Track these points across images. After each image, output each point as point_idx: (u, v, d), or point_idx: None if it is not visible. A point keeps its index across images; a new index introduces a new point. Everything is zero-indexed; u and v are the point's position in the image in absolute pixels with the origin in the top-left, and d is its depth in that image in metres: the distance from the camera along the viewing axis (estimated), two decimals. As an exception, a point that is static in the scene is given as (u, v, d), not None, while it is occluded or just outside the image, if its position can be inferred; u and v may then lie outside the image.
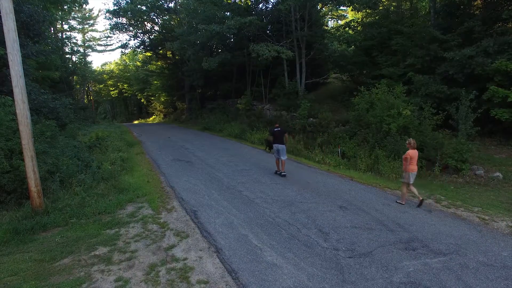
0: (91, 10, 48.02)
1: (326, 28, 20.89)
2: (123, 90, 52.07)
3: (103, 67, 56.16)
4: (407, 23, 14.47)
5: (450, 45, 11.01)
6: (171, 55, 32.20)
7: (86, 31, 40.74)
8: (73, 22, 37.10)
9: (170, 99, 38.65)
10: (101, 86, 51.87)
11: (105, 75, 51.26)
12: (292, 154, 12.04)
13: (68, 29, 35.73)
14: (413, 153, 6.03)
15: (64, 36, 32.70)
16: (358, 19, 19.95)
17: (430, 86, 11.03)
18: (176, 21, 28.37)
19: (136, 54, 47.04)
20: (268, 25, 19.62)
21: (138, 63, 45.68)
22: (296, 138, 13.68)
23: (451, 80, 10.85)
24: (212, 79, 25.09)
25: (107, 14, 27.49)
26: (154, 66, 39.94)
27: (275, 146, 8.49)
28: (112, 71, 53.10)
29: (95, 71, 49.39)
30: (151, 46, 31.08)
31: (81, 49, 39.88)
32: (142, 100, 49.28)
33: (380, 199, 6.40)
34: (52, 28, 28.70)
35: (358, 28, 18.52)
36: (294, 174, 8.60)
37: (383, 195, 6.74)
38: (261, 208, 5.87)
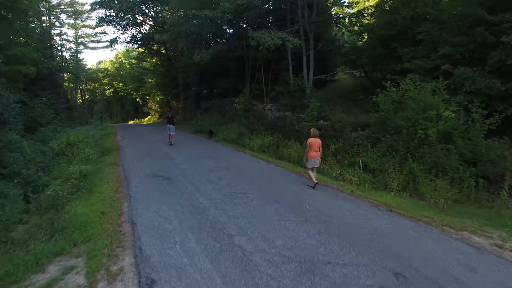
0: (83, 4, 45.67)
1: (338, 13, 18.42)
2: (118, 89, 49.78)
3: (98, 65, 54.01)
4: (437, 6, 12.08)
5: (503, 27, 8.64)
6: (164, 50, 29.86)
7: (77, 26, 38.38)
8: (63, 17, 34.83)
9: (166, 98, 36.38)
10: (96, 85, 49.58)
11: (99, 74, 48.97)
12: (300, 166, 9.72)
13: (59, 24, 33.47)
14: (312, 141, 7.19)
15: (52, 31, 30.44)
16: (371, 6, 17.56)
17: (476, 81, 8.68)
18: (168, 13, 26.05)
19: (130, 52, 44.78)
20: (270, 13, 17.28)
21: (133, 61, 43.39)
22: (304, 145, 11.29)
23: (507, 72, 8.50)
24: (207, 76, 22.76)
25: (94, 6, 25.18)
26: (148, 64, 37.68)
27: (168, 126, 13.44)
28: (106, 69, 50.86)
29: (90, 69, 47.08)
30: (143, 40, 28.72)
31: (73, 46, 37.62)
32: (137, 100, 46.92)
33: (451, 254, 4.06)
34: (38, 20, 26.47)
35: (373, 16, 16.14)
36: (308, 200, 6.27)
37: (452, 244, 4.39)
38: (263, 274, 3.54)
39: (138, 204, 6.05)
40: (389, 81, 9.84)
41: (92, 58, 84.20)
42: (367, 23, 15.82)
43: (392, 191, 7.47)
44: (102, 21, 26.46)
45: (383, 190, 7.52)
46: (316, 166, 7.44)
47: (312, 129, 7.52)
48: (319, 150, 7.34)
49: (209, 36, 19.98)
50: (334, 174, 8.46)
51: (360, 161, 8.98)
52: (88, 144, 12.40)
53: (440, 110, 8.31)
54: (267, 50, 12.71)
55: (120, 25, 26.63)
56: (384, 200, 6.32)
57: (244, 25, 18.71)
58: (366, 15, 16.12)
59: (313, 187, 7.11)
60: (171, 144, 13.13)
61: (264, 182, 7.62)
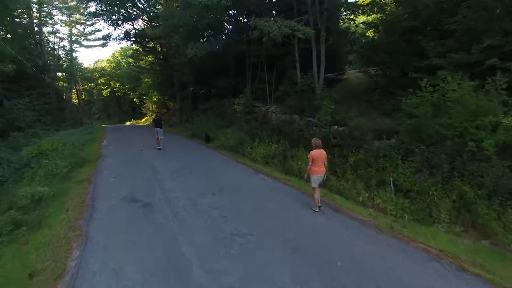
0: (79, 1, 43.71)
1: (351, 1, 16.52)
2: (115, 89, 48.08)
3: (94, 64, 52.33)
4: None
5: None
6: (160, 48, 28.01)
7: (69, 21, 36.52)
8: (55, 12, 33.01)
9: (162, 98, 34.59)
10: (92, 84, 47.84)
11: (96, 73, 47.22)
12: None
13: (51, 22, 31.66)
14: (315, 154, 5.92)
15: (43, 28, 28.61)
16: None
17: (541, 79, 6.84)
18: (163, 8, 24.20)
19: (127, 51, 43.00)
20: (274, 3, 15.36)
21: (130, 60, 41.58)
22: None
23: None
24: (205, 75, 20.90)
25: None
26: (144, 62, 35.88)
27: (156, 129, 12.60)
28: (103, 68, 49.12)
29: (86, 69, 45.33)
30: (137, 37, 26.85)
31: (67, 44, 35.87)
32: (134, 100, 45.18)
33: None
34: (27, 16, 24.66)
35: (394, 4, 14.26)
36: (337, 245, 4.40)
37: None
38: None
39: (93, 255, 4.22)
40: (425, 79, 7.96)
41: (89, 58, 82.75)
42: (387, 12, 13.91)
43: (440, 223, 5.66)
44: (91, 15, 24.74)
45: (429, 223, 5.69)
46: (320, 185, 6.13)
47: (313, 139, 6.26)
48: (325, 164, 5.99)
49: (206, 33, 18.09)
50: (360, 198, 6.59)
51: (391, 180, 7.13)
52: (62, 153, 10.58)
53: (498, 116, 6.47)
54: (272, 42, 10.85)
55: (112, 20, 24.81)
56: (445, 248, 4.44)
57: (245, 20, 16.88)
58: (383, 1, 14.24)
59: (317, 210, 6.02)
60: (159, 149, 12.32)
61: (270, 212, 5.76)
